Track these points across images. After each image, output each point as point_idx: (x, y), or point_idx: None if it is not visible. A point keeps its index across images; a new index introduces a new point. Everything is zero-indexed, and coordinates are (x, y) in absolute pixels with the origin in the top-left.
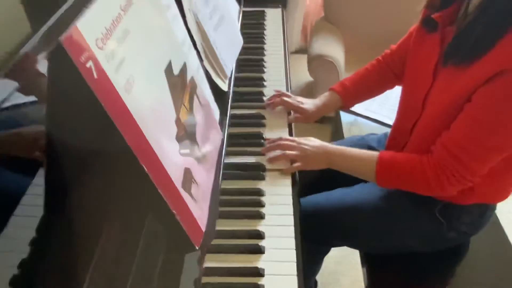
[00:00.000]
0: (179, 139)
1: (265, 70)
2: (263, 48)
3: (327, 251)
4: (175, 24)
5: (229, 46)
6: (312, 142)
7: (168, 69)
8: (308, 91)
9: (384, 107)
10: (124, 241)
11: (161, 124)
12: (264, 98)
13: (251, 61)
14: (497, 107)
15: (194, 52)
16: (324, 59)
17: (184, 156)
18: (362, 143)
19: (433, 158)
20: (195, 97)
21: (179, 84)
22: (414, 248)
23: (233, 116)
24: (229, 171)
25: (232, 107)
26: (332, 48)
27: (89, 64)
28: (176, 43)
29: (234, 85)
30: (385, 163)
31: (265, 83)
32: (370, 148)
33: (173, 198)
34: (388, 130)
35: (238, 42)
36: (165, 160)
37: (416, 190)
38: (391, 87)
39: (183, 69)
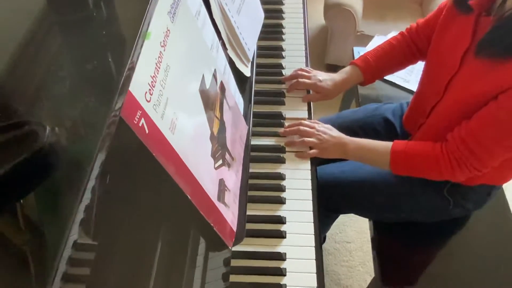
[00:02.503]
0: (213, 154)
1: (283, 37)
2: (281, 11)
3: (337, 216)
4: (204, 30)
5: (251, 25)
6: (331, 131)
7: (202, 86)
8: (323, 36)
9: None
10: (173, 238)
11: (199, 148)
12: (283, 71)
13: (269, 26)
14: None
15: (221, 49)
16: (342, 8)
17: (218, 169)
18: (377, 113)
19: (448, 147)
20: (224, 102)
21: (211, 96)
22: (419, 220)
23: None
24: (250, 154)
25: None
26: None
27: (142, 122)
28: (207, 52)
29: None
30: (399, 156)
31: (283, 54)
32: (385, 119)
33: (212, 215)
34: (403, 96)
35: (259, 17)
36: (204, 183)
37: (427, 177)
38: (414, 62)
39: (214, 77)
